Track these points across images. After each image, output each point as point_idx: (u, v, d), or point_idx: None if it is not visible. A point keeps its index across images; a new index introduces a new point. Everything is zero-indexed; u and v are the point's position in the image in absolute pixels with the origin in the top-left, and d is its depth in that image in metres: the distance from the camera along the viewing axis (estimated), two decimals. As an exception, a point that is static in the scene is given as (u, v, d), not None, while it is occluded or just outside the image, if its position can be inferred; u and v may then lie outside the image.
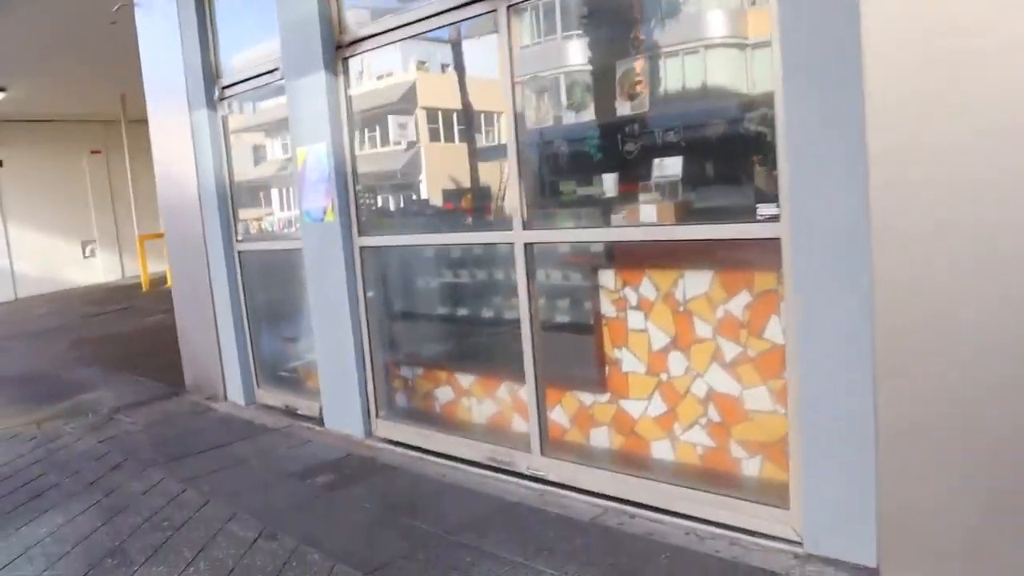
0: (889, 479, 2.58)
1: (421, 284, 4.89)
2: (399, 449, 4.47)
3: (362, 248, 4.66)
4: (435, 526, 3.42)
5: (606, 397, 3.79)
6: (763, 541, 2.99)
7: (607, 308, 3.74)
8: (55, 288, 15.62)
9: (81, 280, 16.18)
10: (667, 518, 3.27)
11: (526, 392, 3.92)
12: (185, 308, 6.41)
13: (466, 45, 4.37)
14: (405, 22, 4.16)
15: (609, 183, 3.77)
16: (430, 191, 4.93)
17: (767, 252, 2.97)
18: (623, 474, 3.56)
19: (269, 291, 5.83)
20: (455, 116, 4.68)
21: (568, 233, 3.88)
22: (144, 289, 13.91)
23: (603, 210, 3.72)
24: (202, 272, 5.96)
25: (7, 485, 4.42)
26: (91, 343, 9.25)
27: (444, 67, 4.69)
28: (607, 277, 3.74)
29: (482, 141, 4.49)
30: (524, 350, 3.85)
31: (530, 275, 3.78)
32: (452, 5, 3.90)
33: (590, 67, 4.00)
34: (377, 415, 4.76)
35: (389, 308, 4.90)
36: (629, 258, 3.71)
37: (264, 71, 5.16)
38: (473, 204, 4.58)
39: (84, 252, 16.44)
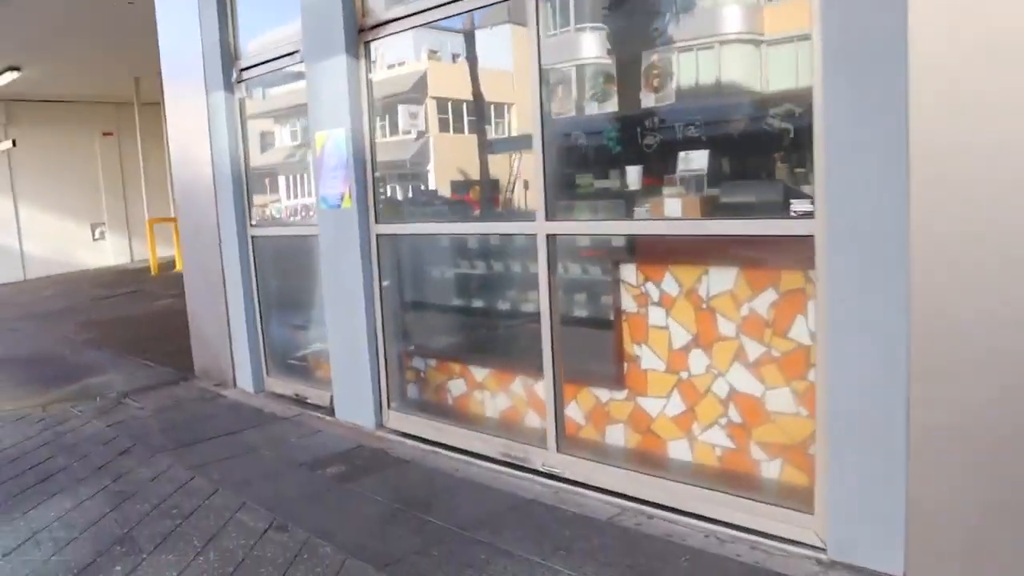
0: (919, 484, 2.51)
1: (437, 274, 4.83)
2: (410, 441, 4.41)
3: (379, 236, 4.58)
4: (449, 521, 3.36)
5: (623, 394, 3.73)
6: (785, 546, 2.93)
7: (627, 303, 3.67)
8: (64, 270, 15.62)
9: (90, 262, 16.18)
10: (685, 519, 3.20)
11: (544, 387, 3.84)
12: (196, 292, 6.35)
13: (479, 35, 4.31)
14: (429, 5, 4.07)
15: (632, 176, 3.71)
16: (442, 181, 4.88)
17: (797, 249, 2.90)
18: (640, 473, 3.49)
19: (281, 277, 5.77)
20: (482, 107, 4.61)
21: (593, 225, 3.80)
22: (153, 273, 13.89)
23: (626, 203, 3.65)
24: (215, 256, 5.90)
25: (15, 467, 4.37)
26: (99, 326, 9.21)
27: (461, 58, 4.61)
28: (628, 272, 3.67)
29: (502, 131, 4.43)
30: (543, 344, 3.77)
31: (551, 267, 3.70)
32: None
33: (614, 58, 3.93)
34: (389, 406, 4.70)
35: (404, 298, 4.83)
36: (651, 253, 3.64)
37: (283, 53, 5.08)
38: (492, 194, 4.52)
39: (94, 234, 16.43)
